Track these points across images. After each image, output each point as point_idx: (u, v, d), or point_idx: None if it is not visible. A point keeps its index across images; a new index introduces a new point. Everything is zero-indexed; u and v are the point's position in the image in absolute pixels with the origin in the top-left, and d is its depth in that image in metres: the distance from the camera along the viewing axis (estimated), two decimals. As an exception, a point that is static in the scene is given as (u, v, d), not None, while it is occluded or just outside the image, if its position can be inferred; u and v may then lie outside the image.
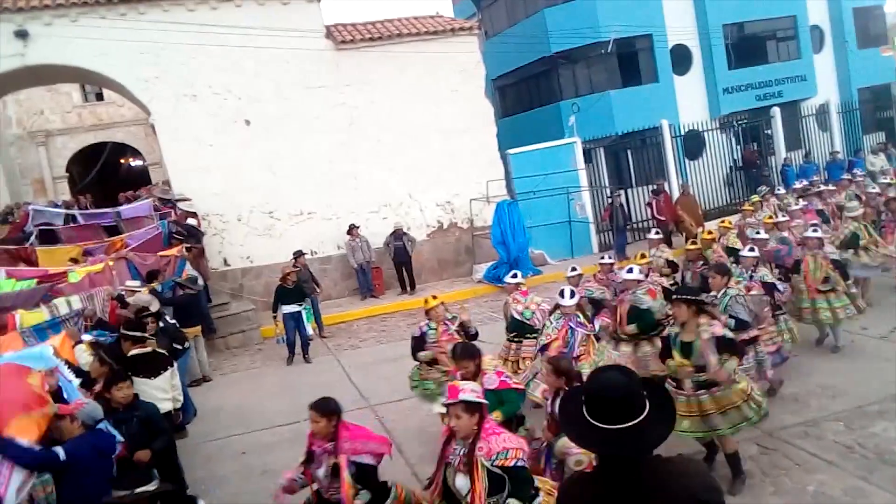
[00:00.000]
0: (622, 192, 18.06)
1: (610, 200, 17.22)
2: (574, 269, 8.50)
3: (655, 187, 16.98)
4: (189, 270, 11.37)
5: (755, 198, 13.07)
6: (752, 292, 6.89)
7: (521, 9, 23.25)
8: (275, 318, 11.42)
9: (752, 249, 8.08)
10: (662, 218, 16.14)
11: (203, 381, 10.66)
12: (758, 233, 9.48)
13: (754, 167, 21.16)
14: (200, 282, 11.62)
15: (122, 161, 27.69)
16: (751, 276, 7.65)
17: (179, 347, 8.75)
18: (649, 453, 2.30)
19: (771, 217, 10.63)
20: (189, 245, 12.10)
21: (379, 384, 9.18)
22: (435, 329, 7.03)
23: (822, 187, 13.44)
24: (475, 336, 6.91)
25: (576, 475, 2.66)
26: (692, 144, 20.51)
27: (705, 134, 20.45)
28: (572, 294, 6.79)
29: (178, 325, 9.16)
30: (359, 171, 15.96)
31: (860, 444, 5.91)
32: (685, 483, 2.28)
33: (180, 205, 14.18)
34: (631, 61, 21.81)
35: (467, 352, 5.36)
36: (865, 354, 8.08)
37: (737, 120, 22.52)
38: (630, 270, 7.52)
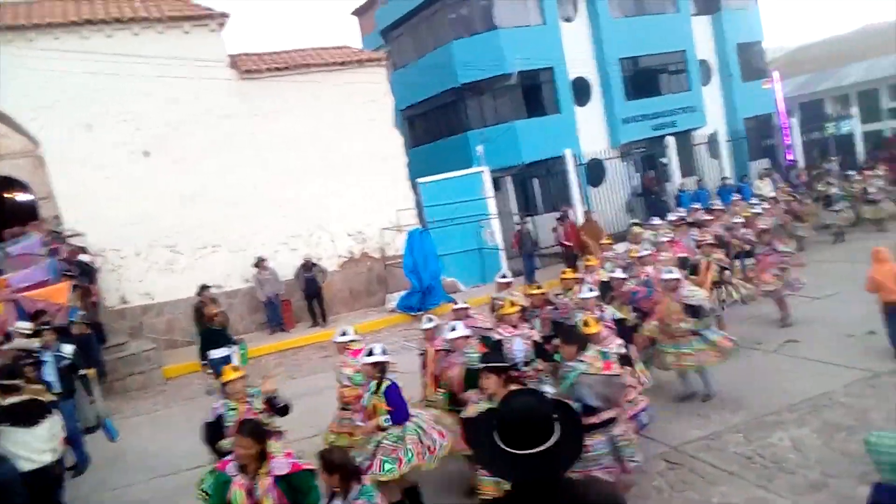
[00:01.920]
0: (530, 218, 18.47)
1: (518, 227, 17.58)
2: (430, 318, 7.34)
3: (561, 214, 17.47)
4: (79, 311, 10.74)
5: (636, 229, 12.80)
6: (605, 372, 5.55)
7: (428, 41, 23.64)
8: (205, 366, 10.14)
9: (591, 290, 7.58)
10: (568, 243, 16.59)
11: (99, 427, 9.99)
12: (613, 271, 9.15)
13: (653, 193, 22.19)
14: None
15: (8, 195, 25.97)
16: (601, 317, 7.01)
17: (83, 373, 8.57)
18: (560, 476, 2.30)
19: (635, 251, 10.17)
20: (74, 284, 11.36)
21: (289, 420, 8.86)
22: (235, 409, 5.69)
23: (702, 216, 13.32)
24: (286, 410, 5.89)
25: (488, 502, 2.63)
26: (594, 172, 21.32)
27: (606, 162, 21.30)
28: (369, 353, 5.90)
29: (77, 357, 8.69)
30: (267, 202, 15.60)
31: (759, 454, 6.19)
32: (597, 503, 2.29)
33: (72, 240, 13.40)
34: (535, 93, 22.52)
35: (253, 431, 4.38)
36: (760, 368, 8.52)
37: (635, 148, 23.61)
38: (453, 328, 6.53)
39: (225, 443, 5.45)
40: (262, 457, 4.32)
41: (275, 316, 15.09)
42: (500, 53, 21.24)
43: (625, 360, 6.50)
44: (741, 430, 6.76)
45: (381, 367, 5.84)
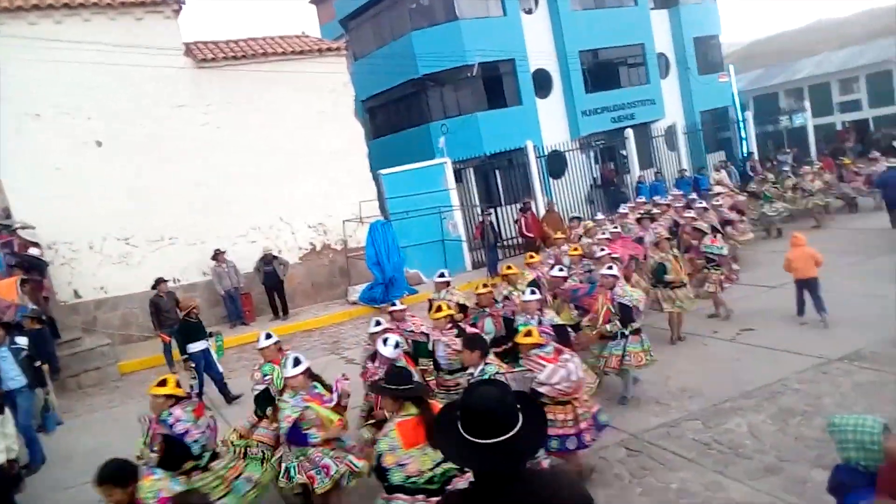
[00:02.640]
0: (492, 210, 18.53)
1: (481, 219, 17.62)
2: (378, 322, 7.02)
3: (522, 205, 17.56)
4: (28, 306, 10.40)
5: (589, 223, 12.77)
6: (516, 370, 5.58)
7: (388, 31, 23.46)
8: (185, 360, 9.93)
9: (533, 292, 7.15)
10: (530, 234, 16.68)
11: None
12: (554, 268, 8.85)
13: (612, 185, 22.47)
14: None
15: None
16: (539, 322, 6.79)
17: (38, 364, 8.56)
18: (523, 466, 2.30)
19: (577, 249, 9.89)
20: (24, 278, 10.99)
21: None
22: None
23: (652, 210, 13.37)
24: (184, 450, 5.31)
25: (450, 494, 2.61)
26: (555, 164, 21.46)
27: (567, 154, 21.46)
28: (296, 362, 5.46)
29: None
30: (225, 193, 15.31)
31: (716, 441, 6.32)
32: (560, 494, 2.29)
33: (22, 233, 12.95)
34: (496, 84, 22.55)
35: (108, 478, 3.89)
36: (717, 357, 8.70)
37: (595, 140, 23.86)
38: (396, 346, 6.07)
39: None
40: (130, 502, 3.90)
41: (235, 309, 14.86)
42: (460, 45, 21.20)
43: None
44: (699, 417, 6.89)
45: (310, 373, 5.59)
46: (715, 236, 11.04)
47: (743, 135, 25.72)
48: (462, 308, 8.24)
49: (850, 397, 6.72)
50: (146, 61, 14.10)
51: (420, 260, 17.12)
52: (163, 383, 5.28)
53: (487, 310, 7.89)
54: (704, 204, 13.19)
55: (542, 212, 18.12)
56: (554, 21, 23.46)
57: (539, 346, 5.86)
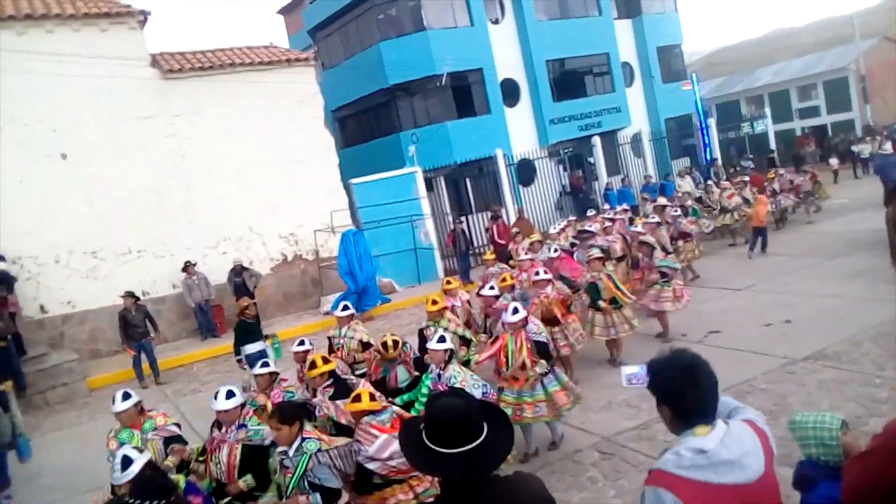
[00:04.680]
0: (463, 218, 18.63)
1: (452, 227, 17.70)
2: (302, 342, 6.71)
3: (493, 213, 17.71)
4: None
5: (535, 236, 12.45)
6: (340, 444, 4.61)
7: (356, 41, 23.50)
8: (240, 361, 9.67)
9: (441, 339, 6.09)
10: (502, 242, 16.81)
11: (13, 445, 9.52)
12: (485, 287, 8.37)
13: (580, 192, 22.76)
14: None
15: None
16: (438, 377, 6.03)
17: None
18: (490, 474, 2.33)
19: (506, 279, 8.97)
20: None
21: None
22: None
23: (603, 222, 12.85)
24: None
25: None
26: (524, 172, 21.69)
27: (536, 162, 21.69)
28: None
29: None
30: (194, 204, 15.18)
31: (686, 441, 6.42)
32: (527, 499, 2.35)
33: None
34: (465, 93, 22.70)
35: None
36: (686, 358, 8.82)
37: (563, 148, 24.15)
38: (231, 396, 5.29)
39: None
40: None
41: (206, 321, 14.70)
42: (429, 54, 21.32)
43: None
44: (670, 419, 6.97)
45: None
46: (666, 252, 10.70)
47: (706, 141, 26.25)
48: (365, 346, 7.54)
49: (815, 395, 6.89)
50: (112, 73, 13.95)
51: (393, 269, 17.15)
52: None
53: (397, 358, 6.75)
54: (658, 219, 12.48)
55: (513, 219, 18.29)
56: (520, 31, 23.73)
57: (373, 412, 4.91)
